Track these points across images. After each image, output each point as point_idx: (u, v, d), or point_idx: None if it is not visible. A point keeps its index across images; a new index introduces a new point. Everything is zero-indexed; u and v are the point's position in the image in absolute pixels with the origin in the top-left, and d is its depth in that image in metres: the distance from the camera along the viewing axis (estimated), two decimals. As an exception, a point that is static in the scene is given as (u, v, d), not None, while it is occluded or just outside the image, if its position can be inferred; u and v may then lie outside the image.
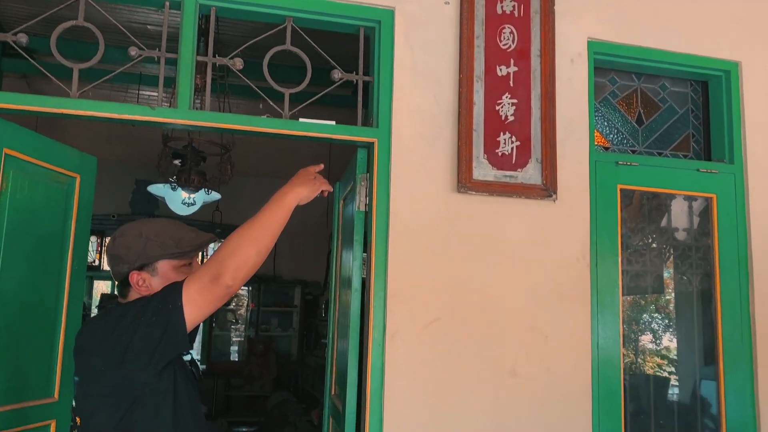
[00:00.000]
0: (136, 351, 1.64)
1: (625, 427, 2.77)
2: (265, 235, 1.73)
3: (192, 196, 4.87)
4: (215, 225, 7.29)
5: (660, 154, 3.13)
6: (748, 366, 2.94)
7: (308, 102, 2.74)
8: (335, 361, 3.24)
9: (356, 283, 2.80)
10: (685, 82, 3.22)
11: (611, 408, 2.76)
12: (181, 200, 4.95)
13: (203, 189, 4.86)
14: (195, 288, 1.66)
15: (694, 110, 3.21)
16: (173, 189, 4.88)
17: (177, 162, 5.03)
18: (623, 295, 2.87)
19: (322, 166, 2.00)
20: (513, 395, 2.63)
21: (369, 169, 2.75)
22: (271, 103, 2.67)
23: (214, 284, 1.65)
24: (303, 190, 1.86)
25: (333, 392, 3.24)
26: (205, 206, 6.10)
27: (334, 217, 3.50)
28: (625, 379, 2.82)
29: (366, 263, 2.73)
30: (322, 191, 1.92)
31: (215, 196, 5.22)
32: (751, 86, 3.09)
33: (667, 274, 3.14)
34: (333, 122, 2.65)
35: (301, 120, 2.63)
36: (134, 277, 1.83)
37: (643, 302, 3.13)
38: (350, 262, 2.87)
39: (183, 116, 2.58)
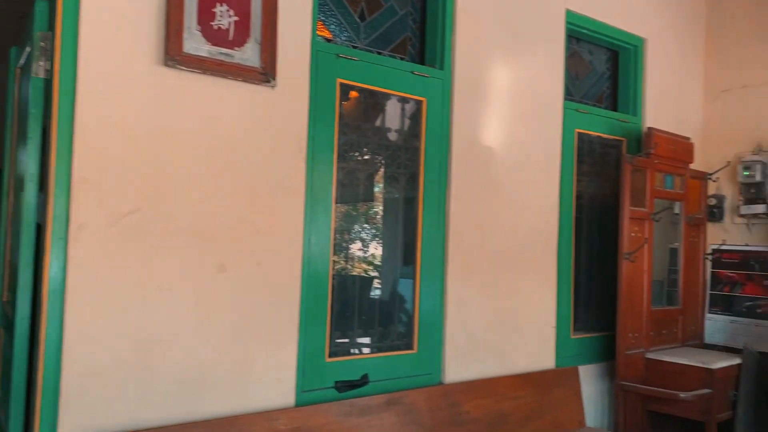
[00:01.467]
0: None
1: (331, 319, 2.82)
2: None
3: None
4: None
5: (380, 54, 3.13)
6: (440, 262, 3.19)
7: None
8: (9, 263, 2.71)
9: (32, 167, 2.31)
10: (406, -16, 3.24)
11: (318, 302, 2.77)
12: None
13: None
14: None
15: (413, 13, 3.25)
16: None
17: None
18: (336, 189, 2.86)
19: None
20: (221, 291, 2.47)
21: (52, 26, 2.23)
22: None
23: None
24: None
25: (5, 299, 2.72)
26: None
27: (8, 91, 2.86)
28: (333, 277, 2.85)
29: (47, 141, 2.25)
30: None
31: None
32: (464, -5, 3.22)
33: (379, 173, 3.22)
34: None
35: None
36: None
37: (354, 203, 3.18)
38: (25, 140, 2.35)
39: None
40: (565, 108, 3.77)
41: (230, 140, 2.50)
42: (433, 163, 3.17)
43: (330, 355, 2.81)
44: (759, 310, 4.22)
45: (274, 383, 2.60)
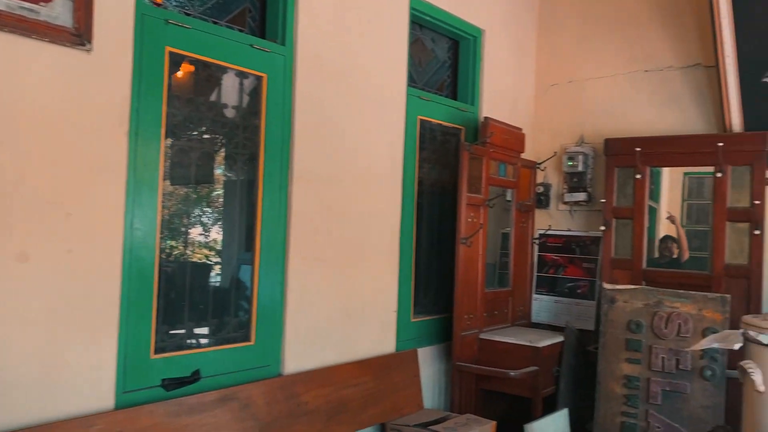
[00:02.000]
0: None
1: (157, 311, 2.57)
2: None
3: None
4: None
5: (216, 23, 2.89)
6: (281, 247, 3.05)
7: None
8: None
9: None
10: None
11: (142, 293, 2.51)
12: None
13: None
14: None
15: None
16: None
17: None
18: (166, 169, 2.60)
19: None
20: (23, 283, 2.13)
21: None
22: None
23: None
24: None
25: None
26: None
27: None
28: (161, 264, 2.60)
29: None
30: None
31: None
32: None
33: (219, 153, 2.99)
34: None
35: None
36: None
37: (190, 184, 2.93)
38: None
39: None
40: (409, 94, 3.77)
41: (34, 109, 2.16)
42: (274, 143, 3.00)
43: (156, 351, 2.57)
44: (579, 291, 4.56)
45: (90, 385, 2.32)
